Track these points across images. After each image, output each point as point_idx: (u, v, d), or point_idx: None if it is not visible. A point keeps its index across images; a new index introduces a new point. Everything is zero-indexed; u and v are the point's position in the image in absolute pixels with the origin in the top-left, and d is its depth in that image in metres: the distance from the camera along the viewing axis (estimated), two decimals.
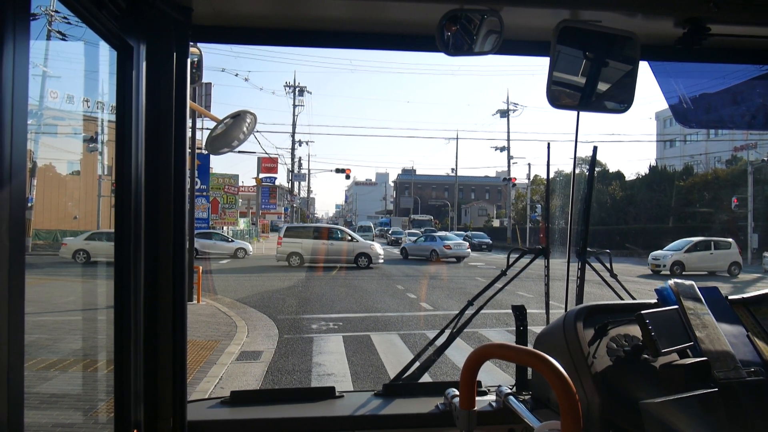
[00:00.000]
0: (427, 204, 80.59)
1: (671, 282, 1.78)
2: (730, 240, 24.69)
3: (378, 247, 24.24)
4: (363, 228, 50.31)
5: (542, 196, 45.07)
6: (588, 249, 2.17)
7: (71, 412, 5.22)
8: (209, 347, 8.30)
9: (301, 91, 49.22)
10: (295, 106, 49.18)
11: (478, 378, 1.35)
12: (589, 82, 1.62)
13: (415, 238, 34.78)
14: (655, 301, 1.78)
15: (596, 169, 2.44)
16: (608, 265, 2.23)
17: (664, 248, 25.13)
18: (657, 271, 23.25)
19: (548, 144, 2.67)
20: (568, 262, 2.24)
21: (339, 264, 23.14)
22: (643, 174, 45.19)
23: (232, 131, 2.18)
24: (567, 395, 1.05)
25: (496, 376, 6.66)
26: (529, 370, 1.91)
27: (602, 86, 1.64)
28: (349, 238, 24.08)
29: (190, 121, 15.16)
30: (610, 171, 46.93)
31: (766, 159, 32.21)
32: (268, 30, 1.69)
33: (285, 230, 24.47)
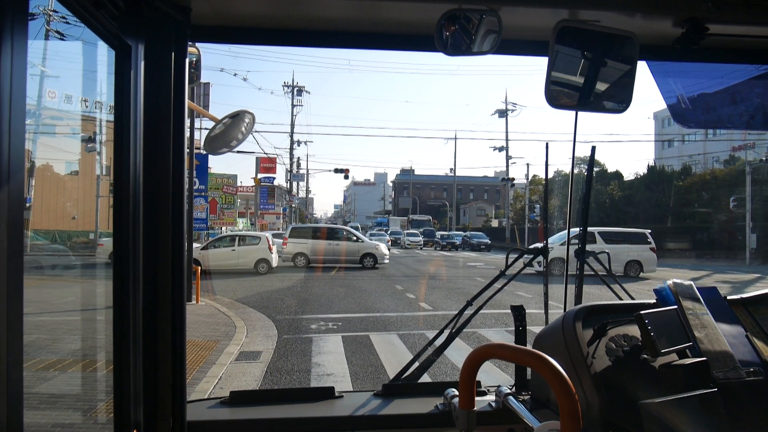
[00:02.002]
0: (425, 204, 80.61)
1: (670, 282, 1.78)
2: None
3: (384, 248, 24.21)
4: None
5: (541, 196, 45.10)
6: (587, 249, 2.18)
7: (71, 413, 5.21)
8: (208, 347, 8.29)
9: (300, 91, 49.18)
10: (293, 106, 49.15)
11: (477, 378, 1.35)
12: (588, 82, 1.62)
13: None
14: (654, 301, 1.79)
15: (595, 169, 2.44)
16: (607, 265, 2.24)
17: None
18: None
19: (547, 144, 2.67)
20: (567, 262, 2.24)
21: (345, 264, 23.10)
22: (642, 174, 45.23)
23: (230, 131, 2.18)
24: (566, 395, 1.05)
25: (495, 376, 6.66)
26: (529, 370, 1.91)
27: (601, 86, 1.64)
28: (355, 238, 24.05)
29: (189, 120, 15.17)
30: (609, 171, 46.93)
31: (764, 159, 32.27)
32: (266, 30, 1.68)
33: (290, 231, 24.44)
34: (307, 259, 23.05)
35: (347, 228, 26.55)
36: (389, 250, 24.40)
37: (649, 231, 22.99)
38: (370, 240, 26.18)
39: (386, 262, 23.77)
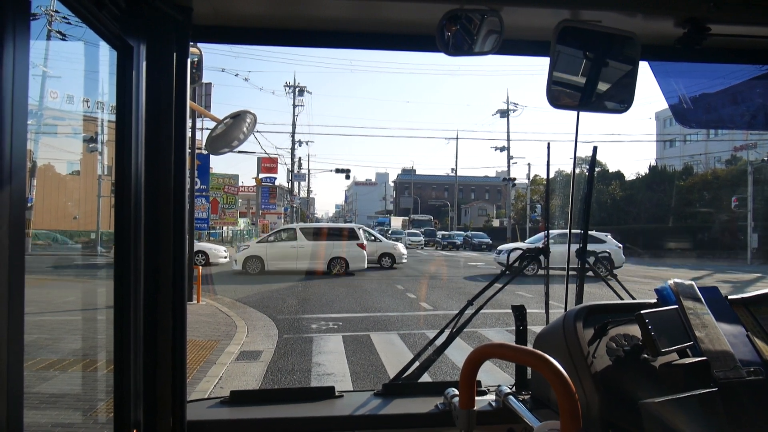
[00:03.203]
0: (427, 204, 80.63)
1: (671, 282, 1.78)
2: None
3: (401, 247, 24.10)
4: None
5: (542, 196, 45.12)
6: (588, 249, 2.18)
7: (71, 412, 5.22)
8: (209, 347, 8.29)
9: (301, 91, 49.19)
10: (294, 106, 49.16)
11: (477, 378, 1.35)
12: (589, 82, 1.62)
13: None
14: (655, 300, 1.79)
15: (596, 169, 2.44)
16: (608, 265, 2.23)
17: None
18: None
19: (548, 144, 2.67)
20: (568, 262, 2.24)
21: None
22: (643, 174, 45.25)
23: (232, 131, 2.18)
24: (566, 395, 1.05)
25: (495, 375, 6.66)
26: (529, 369, 1.91)
27: (602, 86, 1.64)
28: (373, 238, 23.99)
29: (190, 121, 15.16)
30: (610, 171, 46.94)
31: (765, 159, 32.23)
32: (268, 30, 1.69)
33: None
34: None
35: (365, 228, 26.37)
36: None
37: (359, 227, 22.28)
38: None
39: (404, 262, 23.64)
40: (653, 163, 50.64)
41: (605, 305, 1.76)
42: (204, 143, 2.57)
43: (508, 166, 51.09)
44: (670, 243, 33.82)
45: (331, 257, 20.32)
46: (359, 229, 21.91)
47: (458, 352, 7.33)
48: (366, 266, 20.90)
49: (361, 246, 20.69)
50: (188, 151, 1.59)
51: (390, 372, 7.02)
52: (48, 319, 9.52)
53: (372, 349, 8.46)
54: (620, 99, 1.68)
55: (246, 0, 1.53)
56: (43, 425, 4.74)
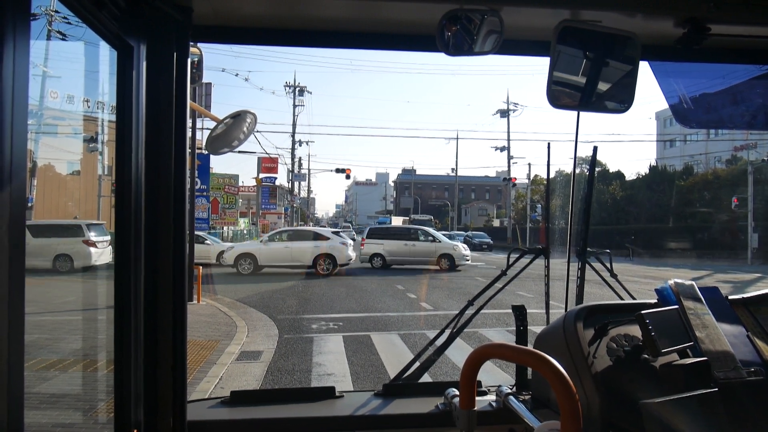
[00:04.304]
0: (427, 204, 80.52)
1: (671, 282, 1.78)
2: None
3: (462, 248, 24.06)
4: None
5: (542, 195, 45.09)
6: (588, 249, 2.17)
7: (71, 412, 5.22)
8: (209, 347, 8.29)
9: (301, 91, 49.17)
10: (295, 106, 49.13)
11: (478, 378, 1.35)
12: (590, 82, 1.63)
13: None
14: (655, 301, 1.78)
15: (596, 168, 2.44)
16: (608, 265, 2.23)
17: None
18: None
19: (548, 144, 2.67)
20: (568, 262, 2.24)
21: (422, 265, 23.18)
22: (644, 174, 45.24)
23: (232, 131, 2.18)
24: (567, 395, 1.05)
25: (496, 376, 6.66)
26: (529, 370, 1.91)
27: (602, 86, 1.64)
28: (432, 238, 24.24)
29: (190, 121, 15.15)
30: (611, 171, 46.90)
31: (766, 159, 32.22)
32: (268, 30, 1.69)
33: (368, 232, 24.84)
34: (384, 260, 23.33)
35: (424, 228, 26.39)
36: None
37: (87, 223, 21.29)
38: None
39: (467, 263, 23.57)
40: (653, 163, 50.65)
41: (606, 305, 1.76)
42: (204, 143, 2.57)
43: (509, 166, 51.12)
44: (671, 243, 33.81)
45: (56, 254, 19.54)
46: (87, 224, 20.79)
47: (458, 353, 7.33)
48: (90, 262, 20.20)
49: (88, 242, 19.77)
50: (188, 151, 1.59)
51: (390, 372, 7.02)
52: (48, 318, 9.53)
53: (372, 350, 8.46)
54: (620, 99, 1.68)
55: (246, 0, 1.53)
56: (43, 425, 4.74)
